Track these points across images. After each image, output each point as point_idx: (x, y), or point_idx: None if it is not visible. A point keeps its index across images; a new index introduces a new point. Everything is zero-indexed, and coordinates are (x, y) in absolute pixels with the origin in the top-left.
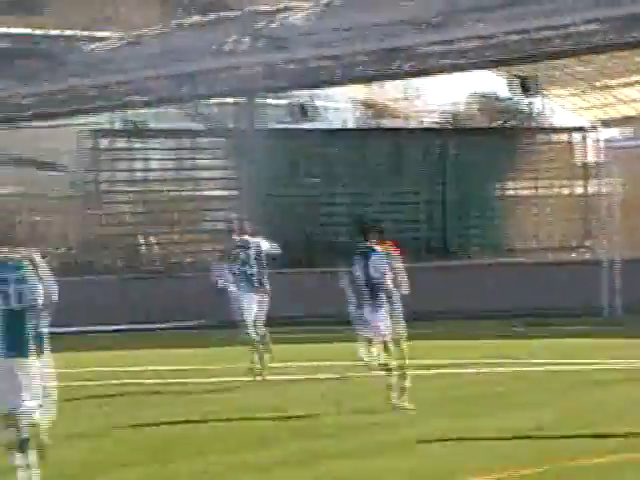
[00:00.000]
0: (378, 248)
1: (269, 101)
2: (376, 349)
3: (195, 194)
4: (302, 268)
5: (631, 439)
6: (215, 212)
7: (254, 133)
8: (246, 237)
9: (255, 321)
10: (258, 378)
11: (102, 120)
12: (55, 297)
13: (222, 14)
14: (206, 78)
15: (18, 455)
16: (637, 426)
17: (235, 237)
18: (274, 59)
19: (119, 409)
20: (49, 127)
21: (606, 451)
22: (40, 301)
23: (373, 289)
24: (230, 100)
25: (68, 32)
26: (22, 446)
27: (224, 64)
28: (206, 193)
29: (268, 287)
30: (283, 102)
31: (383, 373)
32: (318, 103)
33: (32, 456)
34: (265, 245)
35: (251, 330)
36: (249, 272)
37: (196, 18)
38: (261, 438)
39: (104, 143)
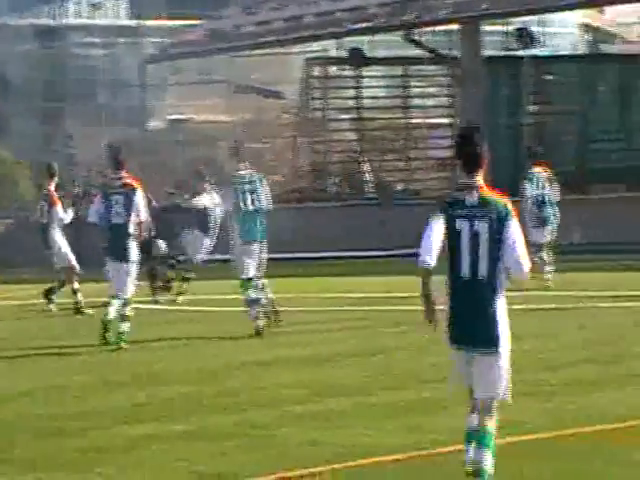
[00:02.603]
0: None
1: (493, 27)
2: None
3: (414, 122)
4: None
5: None
6: (435, 140)
7: (477, 60)
8: None
9: None
10: None
11: (323, 47)
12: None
13: None
14: (428, 4)
15: None
16: None
17: None
18: None
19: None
20: (271, 55)
21: None
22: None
23: None
24: (453, 27)
25: None
26: None
27: None
28: (426, 121)
29: None
30: (509, 28)
31: None
32: (541, 29)
33: None
34: None
35: None
36: None
37: None
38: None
39: (326, 71)
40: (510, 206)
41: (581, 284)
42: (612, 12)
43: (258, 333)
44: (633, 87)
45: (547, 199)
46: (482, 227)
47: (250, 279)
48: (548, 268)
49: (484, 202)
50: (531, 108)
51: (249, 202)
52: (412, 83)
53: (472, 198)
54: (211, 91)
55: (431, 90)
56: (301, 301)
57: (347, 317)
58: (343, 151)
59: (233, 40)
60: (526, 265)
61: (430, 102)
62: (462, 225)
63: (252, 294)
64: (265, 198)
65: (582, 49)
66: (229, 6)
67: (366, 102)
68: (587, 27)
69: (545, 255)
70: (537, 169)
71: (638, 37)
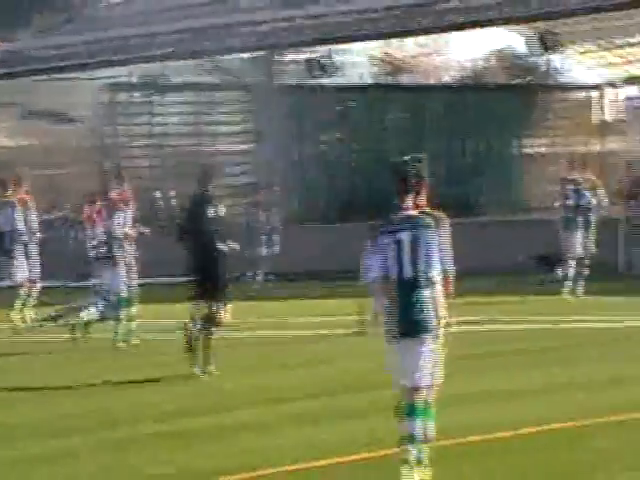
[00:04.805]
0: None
1: (287, 57)
2: None
3: (213, 149)
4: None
5: None
6: (233, 167)
7: (272, 88)
8: None
9: None
10: None
11: (119, 74)
12: None
13: None
14: (224, 33)
15: None
16: None
17: None
18: (292, 15)
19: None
20: (66, 80)
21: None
22: None
23: None
24: (249, 55)
25: None
26: None
27: (242, 19)
28: (224, 148)
29: None
30: (301, 57)
31: None
32: (336, 59)
33: None
34: None
35: None
36: None
37: None
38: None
39: (122, 97)
40: (436, 218)
41: None
42: (402, 44)
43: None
44: (424, 116)
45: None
46: (411, 237)
47: None
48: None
49: (412, 217)
50: (326, 136)
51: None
52: (210, 110)
53: (404, 215)
54: (1, 115)
55: (229, 117)
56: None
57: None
58: (140, 178)
59: (27, 63)
60: (448, 267)
61: (228, 129)
62: (401, 236)
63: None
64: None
65: (375, 79)
66: (24, 28)
67: (163, 129)
68: (380, 58)
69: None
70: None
71: (433, 68)
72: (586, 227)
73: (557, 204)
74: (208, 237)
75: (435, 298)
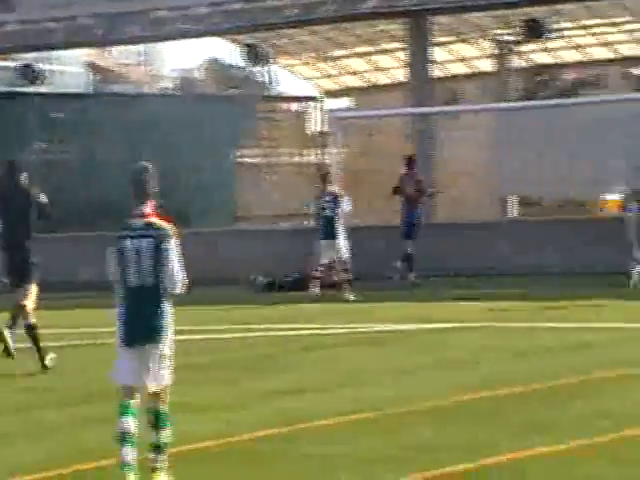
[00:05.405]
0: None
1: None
2: None
3: None
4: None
5: (360, 399)
6: None
7: None
8: None
9: None
10: None
11: None
12: None
13: None
14: None
15: None
16: (361, 387)
17: None
18: (1, 19)
19: None
20: None
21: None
22: None
23: None
24: None
25: None
26: None
27: None
28: None
29: None
30: (11, 64)
31: None
32: (47, 66)
33: None
34: None
35: None
36: None
37: None
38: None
39: None
40: (171, 229)
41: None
42: (115, 53)
43: None
44: (136, 125)
45: None
46: (146, 245)
47: None
48: None
49: (149, 226)
50: (39, 145)
51: None
52: None
53: (140, 222)
54: None
55: None
56: None
57: None
58: None
59: None
60: (178, 279)
61: None
62: (129, 244)
63: None
64: None
65: (88, 87)
66: None
67: None
68: (92, 66)
69: None
70: None
71: (147, 77)
72: (343, 234)
73: (316, 210)
74: (17, 219)
75: (167, 305)
